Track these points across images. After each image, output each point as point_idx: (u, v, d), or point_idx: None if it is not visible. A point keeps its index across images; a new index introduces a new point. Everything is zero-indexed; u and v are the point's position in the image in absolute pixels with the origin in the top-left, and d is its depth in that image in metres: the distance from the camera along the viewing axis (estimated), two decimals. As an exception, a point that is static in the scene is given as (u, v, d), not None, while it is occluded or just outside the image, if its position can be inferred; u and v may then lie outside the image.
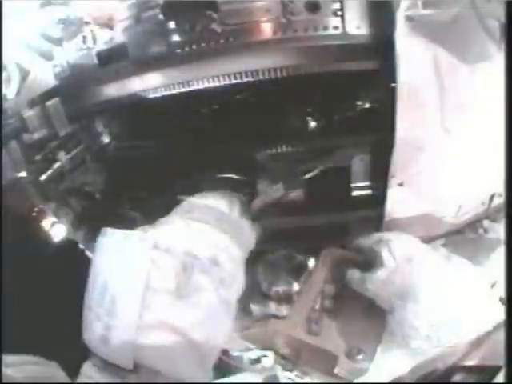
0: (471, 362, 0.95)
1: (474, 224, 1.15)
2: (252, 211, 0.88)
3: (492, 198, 1.10)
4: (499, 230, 1.12)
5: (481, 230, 1.15)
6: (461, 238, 1.14)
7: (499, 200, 1.10)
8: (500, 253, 0.98)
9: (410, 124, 0.89)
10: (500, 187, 0.99)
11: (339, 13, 0.88)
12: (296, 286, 0.98)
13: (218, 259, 0.71)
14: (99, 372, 0.66)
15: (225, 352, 1.16)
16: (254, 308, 1.02)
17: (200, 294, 0.67)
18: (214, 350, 0.71)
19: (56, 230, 1.21)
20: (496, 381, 0.86)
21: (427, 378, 0.96)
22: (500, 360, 0.77)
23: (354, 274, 0.96)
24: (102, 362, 0.67)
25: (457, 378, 0.97)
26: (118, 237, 0.70)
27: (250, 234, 0.84)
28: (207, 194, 0.85)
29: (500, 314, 0.80)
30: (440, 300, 0.83)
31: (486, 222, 1.16)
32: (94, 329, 0.67)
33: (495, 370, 0.85)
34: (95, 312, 0.67)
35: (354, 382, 0.90)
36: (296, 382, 0.99)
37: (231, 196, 0.85)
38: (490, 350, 0.92)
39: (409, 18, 0.81)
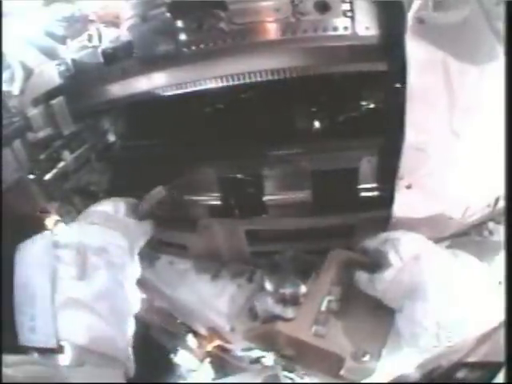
0: (475, 358, 0.96)
1: (479, 226, 1.15)
2: (139, 212, 1.03)
3: (497, 200, 1.10)
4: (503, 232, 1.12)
5: (486, 232, 1.15)
6: (466, 239, 1.15)
7: (504, 203, 1.10)
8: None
9: (418, 127, 0.89)
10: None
11: (349, 13, 0.88)
12: (303, 288, 0.97)
13: (106, 247, 0.89)
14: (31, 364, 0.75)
15: (228, 351, 1.17)
16: (260, 309, 1.02)
17: (95, 272, 0.85)
18: (119, 322, 0.86)
19: (59, 228, 1.21)
20: (496, 381, 0.86)
21: (431, 374, 0.96)
22: (503, 356, 0.78)
23: (361, 276, 0.96)
24: (36, 351, 0.79)
25: (460, 374, 0.97)
26: (28, 243, 0.88)
27: (136, 231, 0.99)
28: (102, 202, 1.02)
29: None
30: (448, 298, 0.83)
31: (491, 224, 1.16)
32: (23, 323, 0.80)
33: (498, 366, 0.85)
34: (21, 310, 0.81)
35: (359, 382, 0.90)
36: (296, 381, 0.99)
37: (117, 201, 1.02)
38: (493, 347, 0.92)
39: (419, 20, 0.81)
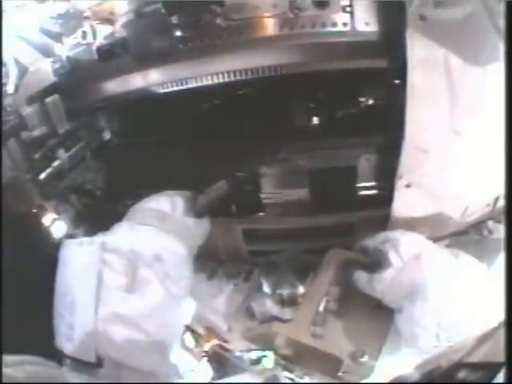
0: (475, 358, 0.95)
1: (478, 225, 1.14)
2: (198, 208, 0.91)
3: (497, 199, 1.09)
4: (503, 231, 1.11)
5: (485, 231, 1.14)
6: (465, 238, 1.14)
7: (504, 202, 1.09)
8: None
9: (418, 125, 0.87)
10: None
11: (348, 9, 0.87)
12: (301, 289, 0.97)
13: (161, 256, 0.78)
14: (70, 371, 0.72)
15: (227, 351, 1.16)
16: (257, 310, 1.01)
17: (147, 287, 0.76)
18: (168, 339, 0.78)
19: (56, 226, 1.20)
20: (496, 381, 0.86)
21: (431, 374, 0.96)
22: (503, 356, 0.77)
23: (360, 275, 0.95)
24: (72, 361, 0.73)
25: (460, 374, 0.96)
26: (73, 245, 0.79)
27: (195, 231, 0.89)
28: (152, 197, 0.90)
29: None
30: (448, 298, 0.83)
31: (490, 223, 1.15)
32: (60, 329, 0.75)
33: (498, 367, 0.85)
34: (60, 314, 0.75)
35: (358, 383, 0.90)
36: (296, 381, 0.98)
37: (174, 196, 0.90)
38: (493, 347, 0.92)
39: (420, 17, 0.79)
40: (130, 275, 0.75)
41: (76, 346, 0.72)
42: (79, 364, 0.72)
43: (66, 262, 0.78)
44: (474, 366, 0.94)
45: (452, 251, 0.93)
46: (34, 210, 1.17)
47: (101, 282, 0.73)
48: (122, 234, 0.81)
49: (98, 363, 0.72)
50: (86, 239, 0.79)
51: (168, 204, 0.87)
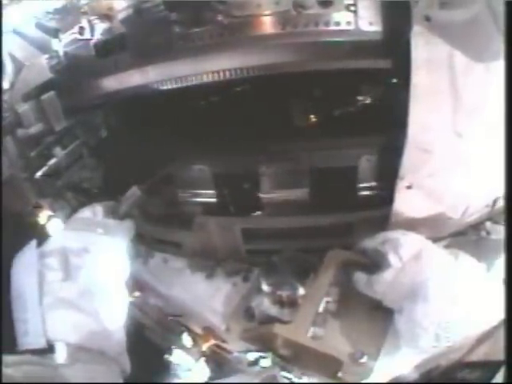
0: (475, 358, 0.95)
1: (476, 226, 1.15)
2: (118, 213, 1.06)
3: (496, 200, 1.09)
4: (502, 232, 1.11)
5: (483, 232, 1.14)
6: (463, 239, 1.14)
7: (502, 203, 1.09)
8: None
9: (421, 126, 0.87)
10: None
11: (352, 8, 0.86)
12: (301, 291, 0.96)
13: (87, 248, 0.90)
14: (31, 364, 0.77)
15: (225, 352, 1.16)
16: (257, 311, 1.00)
17: (79, 271, 0.87)
18: (109, 317, 0.87)
19: (53, 223, 1.19)
20: (496, 380, 0.86)
21: (430, 374, 0.96)
22: (503, 356, 0.77)
23: (359, 276, 0.95)
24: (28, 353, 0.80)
25: (460, 374, 0.97)
26: (19, 254, 0.91)
27: (117, 228, 1.01)
28: (81, 210, 1.06)
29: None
30: (449, 298, 0.83)
31: (488, 224, 1.15)
32: (18, 329, 0.83)
33: (498, 366, 0.85)
34: (17, 317, 0.83)
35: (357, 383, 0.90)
36: (294, 382, 0.98)
37: (95, 205, 1.06)
38: (493, 346, 0.92)
39: (425, 18, 0.79)
40: (63, 267, 0.88)
41: (30, 338, 0.81)
42: (36, 354, 0.79)
43: (16, 269, 0.89)
44: (473, 366, 0.94)
45: (452, 251, 0.93)
46: (30, 208, 1.15)
47: (42, 279, 0.86)
48: (54, 239, 0.95)
49: (50, 348, 0.80)
50: (25, 247, 0.92)
51: (89, 212, 1.04)
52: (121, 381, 0.88)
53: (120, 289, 0.93)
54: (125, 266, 0.97)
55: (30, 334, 0.81)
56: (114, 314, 0.89)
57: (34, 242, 0.92)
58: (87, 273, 0.88)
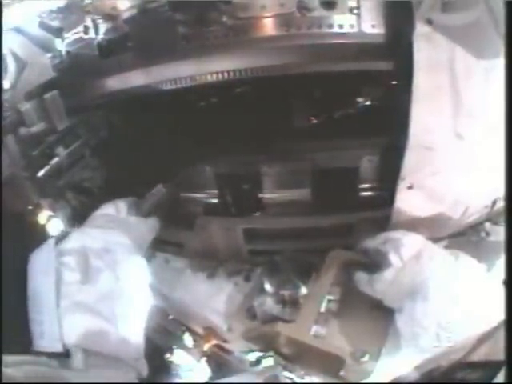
0: (475, 358, 0.96)
1: (476, 227, 1.16)
2: (141, 210, 1.03)
3: (495, 201, 1.10)
4: (501, 233, 1.12)
5: (483, 233, 1.15)
6: (463, 240, 1.15)
7: (502, 204, 1.10)
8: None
9: (422, 128, 0.88)
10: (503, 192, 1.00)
11: (355, 11, 0.87)
12: (303, 290, 0.97)
13: (108, 248, 0.87)
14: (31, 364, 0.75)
15: (226, 352, 1.16)
16: (259, 310, 1.01)
17: (99, 274, 0.83)
18: (125, 322, 0.83)
19: (53, 224, 1.18)
20: (496, 380, 0.87)
21: (431, 374, 0.97)
22: (503, 356, 0.78)
23: (360, 276, 0.95)
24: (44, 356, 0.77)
25: (460, 374, 0.97)
26: (35, 252, 0.87)
27: (139, 228, 0.99)
28: (103, 206, 1.02)
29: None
30: (449, 298, 0.83)
31: (487, 225, 1.16)
32: (34, 330, 0.79)
33: (498, 366, 0.86)
34: (32, 317, 0.80)
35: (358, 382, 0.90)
36: (296, 381, 0.98)
37: (118, 202, 1.03)
38: (493, 346, 0.92)
39: (428, 21, 0.80)
40: (83, 268, 0.83)
41: (46, 341, 0.77)
42: (52, 357, 0.76)
43: (32, 268, 0.85)
44: (474, 366, 0.95)
45: (452, 251, 0.94)
46: (30, 207, 1.14)
47: (60, 280, 0.81)
48: (74, 237, 0.89)
49: (66, 352, 0.76)
50: (43, 244, 0.87)
51: (112, 209, 1.00)
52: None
53: (143, 292, 0.89)
54: (145, 268, 0.92)
55: (45, 337, 0.78)
56: (134, 319, 0.86)
57: (52, 240, 0.88)
58: (107, 277, 0.84)
